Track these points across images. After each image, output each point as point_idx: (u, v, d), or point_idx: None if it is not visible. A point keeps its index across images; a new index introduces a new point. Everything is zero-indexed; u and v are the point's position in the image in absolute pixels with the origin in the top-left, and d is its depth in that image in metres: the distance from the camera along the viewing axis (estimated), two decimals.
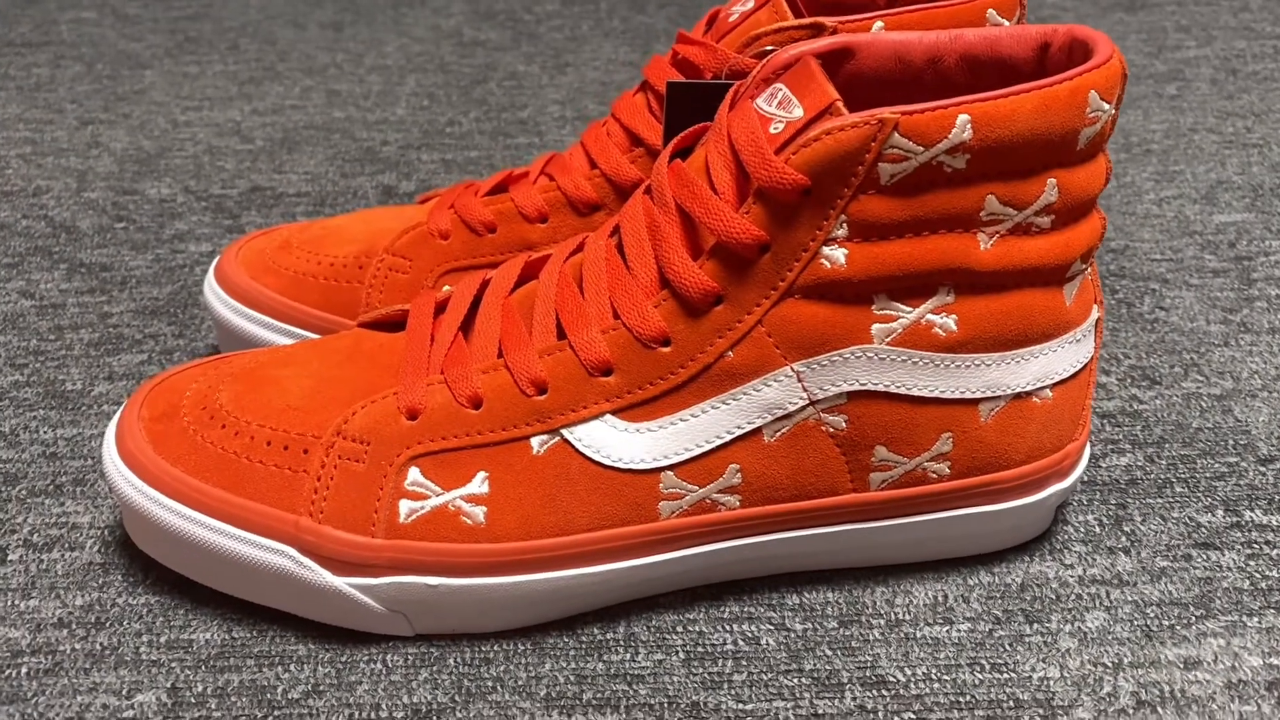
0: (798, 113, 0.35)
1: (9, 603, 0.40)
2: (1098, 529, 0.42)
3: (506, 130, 0.81)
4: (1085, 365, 0.39)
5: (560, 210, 0.46)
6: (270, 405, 0.39)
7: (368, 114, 0.83)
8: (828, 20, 0.41)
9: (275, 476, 0.37)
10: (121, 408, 0.41)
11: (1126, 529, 0.42)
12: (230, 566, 0.37)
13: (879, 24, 0.41)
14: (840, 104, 0.34)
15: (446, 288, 0.47)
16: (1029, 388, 0.37)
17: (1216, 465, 0.45)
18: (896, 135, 0.33)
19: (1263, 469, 0.45)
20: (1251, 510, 0.43)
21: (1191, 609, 0.39)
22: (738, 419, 0.36)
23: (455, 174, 0.74)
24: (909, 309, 0.35)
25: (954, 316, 0.36)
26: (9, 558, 0.42)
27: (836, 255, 0.35)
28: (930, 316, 0.36)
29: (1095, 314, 0.39)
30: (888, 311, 0.35)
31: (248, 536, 0.37)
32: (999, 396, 0.37)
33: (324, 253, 0.49)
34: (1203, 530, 0.42)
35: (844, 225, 0.34)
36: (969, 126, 0.33)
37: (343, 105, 0.85)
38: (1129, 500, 0.44)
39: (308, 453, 0.37)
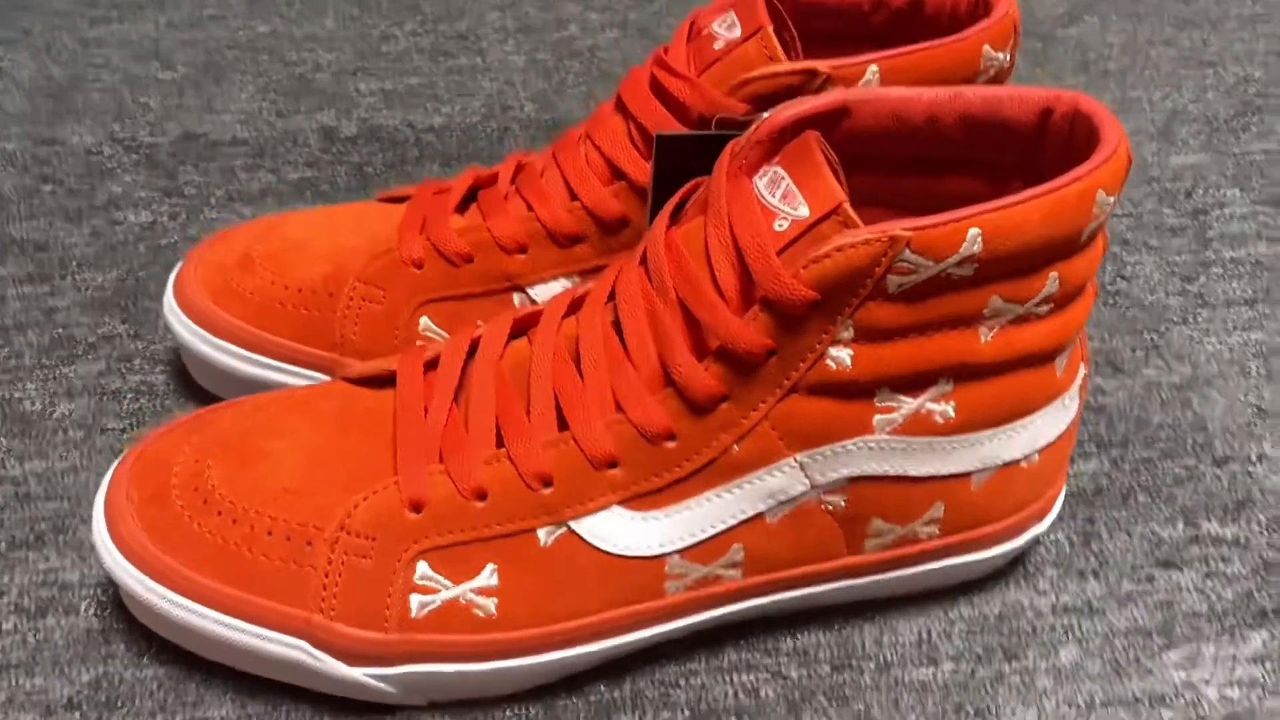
0: (803, 211, 0.34)
1: (14, 682, 0.40)
2: (1068, 548, 0.44)
3: (445, 48, 0.76)
4: (1070, 422, 0.40)
5: (540, 241, 0.44)
6: (265, 487, 0.38)
7: (294, 27, 0.78)
8: (820, 65, 0.39)
9: (281, 571, 0.37)
10: (106, 481, 0.40)
11: (1094, 547, 0.45)
12: (241, 653, 0.38)
13: (873, 67, 0.40)
14: (847, 205, 0.33)
15: (424, 320, 0.46)
16: (1018, 456, 0.38)
17: (1176, 469, 0.48)
18: (907, 251, 0.33)
19: (1218, 472, 0.48)
20: (1209, 520, 0.46)
21: (1155, 638, 0.42)
22: (742, 505, 0.37)
23: (397, 108, 0.70)
24: (910, 399, 0.36)
25: (952, 403, 0.36)
26: (3, 627, 0.41)
27: (842, 356, 0.35)
28: (930, 405, 0.36)
29: (1082, 373, 0.40)
30: (889, 403, 0.36)
31: (259, 631, 0.37)
32: (990, 467, 0.38)
33: (290, 276, 0.47)
34: (1164, 546, 0.45)
35: (850, 329, 0.34)
36: (979, 240, 0.33)
37: (266, 15, 0.79)
38: (1096, 514, 0.46)
39: (311, 545, 0.37)
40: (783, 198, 0.34)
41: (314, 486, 0.38)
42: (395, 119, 0.69)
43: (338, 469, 0.38)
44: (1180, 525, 0.46)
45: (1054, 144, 0.37)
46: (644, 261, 0.38)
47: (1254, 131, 0.68)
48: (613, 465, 0.36)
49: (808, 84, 0.40)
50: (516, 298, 0.45)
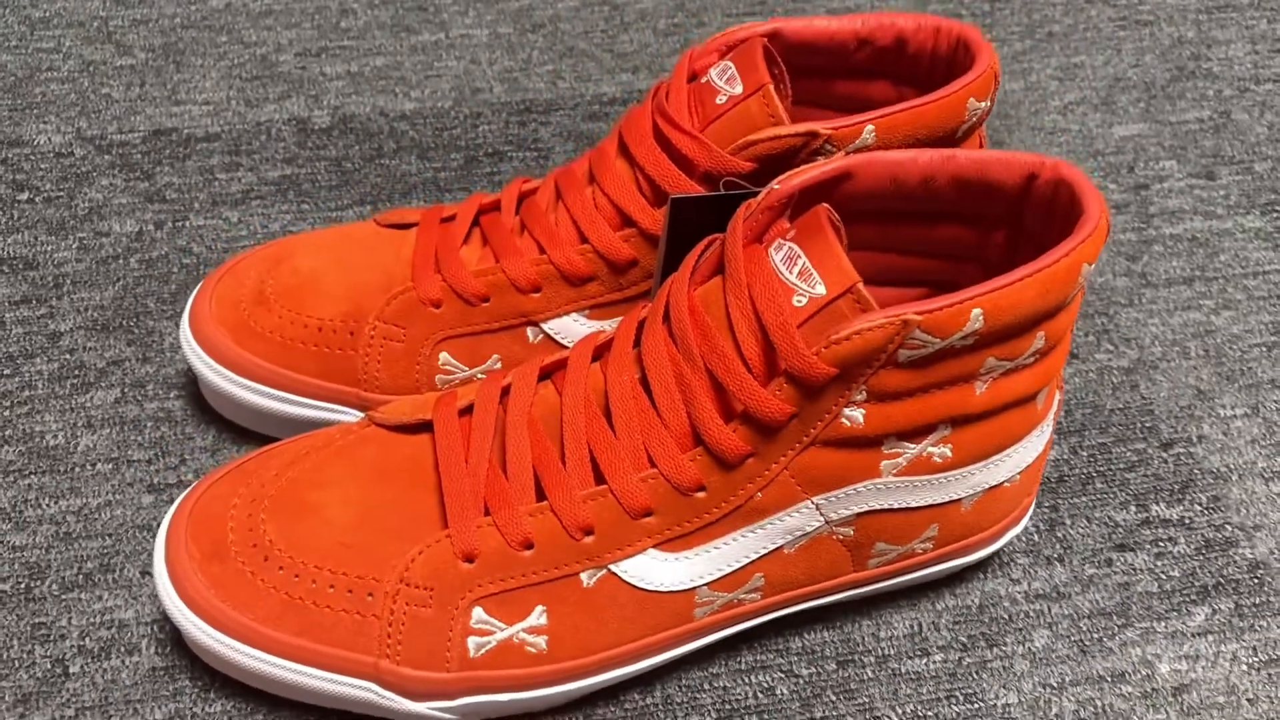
0: (820, 290, 0.37)
1: None
2: (1036, 537, 0.50)
3: (407, 23, 0.76)
4: (1046, 442, 0.44)
5: (553, 281, 0.47)
6: (321, 541, 0.41)
7: (249, 1, 0.77)
8: (820, 128, 0.42)
9: (345, 621, 0.40)
10: (161, 540, 0.42)
11: (1059, 534, 0.50)
12: (311, 694, 0.41)
13: (870, 127, 0.43)
14: (860, 285, 0.37)
15: (444, 355, 0.48)
16: (1003, 479, 0.43)
17: (1128, 454, 0.53)
18: (917, 331, 0.36)
19: (1164, 455, 0.53)
20: (1157, 504, 0.51)
21: (1114, 619, 0.47)
22: (764, 542, 0.41)
23: (366, 92, 0.71)
24: (913, 445, 0.40)
25: (949, 446, 0.41)
26: (71, 670, 0.44)
27: (855, 415, 0.38)
28: (930, 449, 0.40)
29: (1058, 399, 0.44)
30: (895, 450, 0.40)
31: (329, 676, 0.40)
32: (979, 492, 0.43)
33: (308, 313, 0.49)
34: (1119, 530, 0.50)
35: (863, 392, 0.38)
36: (981, 318, 0.37)
37: None
38: (1060, 502, 0.51)
39: (372, 596, 0.40)
40: (800, 275, 0.38)
41: (369, 540, 0.41)
42: (366, 106, 0.70)
43: (389, 520, 0.41)
44: (1133, 509, 0.51)
45: (1036, 203, 0.41)
46: (667, 319, 0.41)
47: (1189, 99, 0.72)
48: (648, 514, 0.40)
49: (808, 144, 0.42)
50: (530, 331, 0.48)
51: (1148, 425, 0.54)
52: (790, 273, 0.38)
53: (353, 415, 0.49)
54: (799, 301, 0.37)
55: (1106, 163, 0.68)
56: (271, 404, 0.49)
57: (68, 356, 0.55)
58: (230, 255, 0.60)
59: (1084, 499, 0.51)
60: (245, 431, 0.52)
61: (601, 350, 0.43)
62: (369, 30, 0.76)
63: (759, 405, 0.38)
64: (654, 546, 0.41)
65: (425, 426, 0.44)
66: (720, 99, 0.44)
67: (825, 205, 0.39)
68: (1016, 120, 0.71)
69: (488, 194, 0.51)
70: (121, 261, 0.60)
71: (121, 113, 0.69)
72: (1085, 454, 0.53)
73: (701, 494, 0.40)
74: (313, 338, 0.48)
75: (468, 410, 0.43)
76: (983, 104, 0.45)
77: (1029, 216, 0.42)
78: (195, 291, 0.51)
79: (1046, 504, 0.51)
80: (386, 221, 0.52)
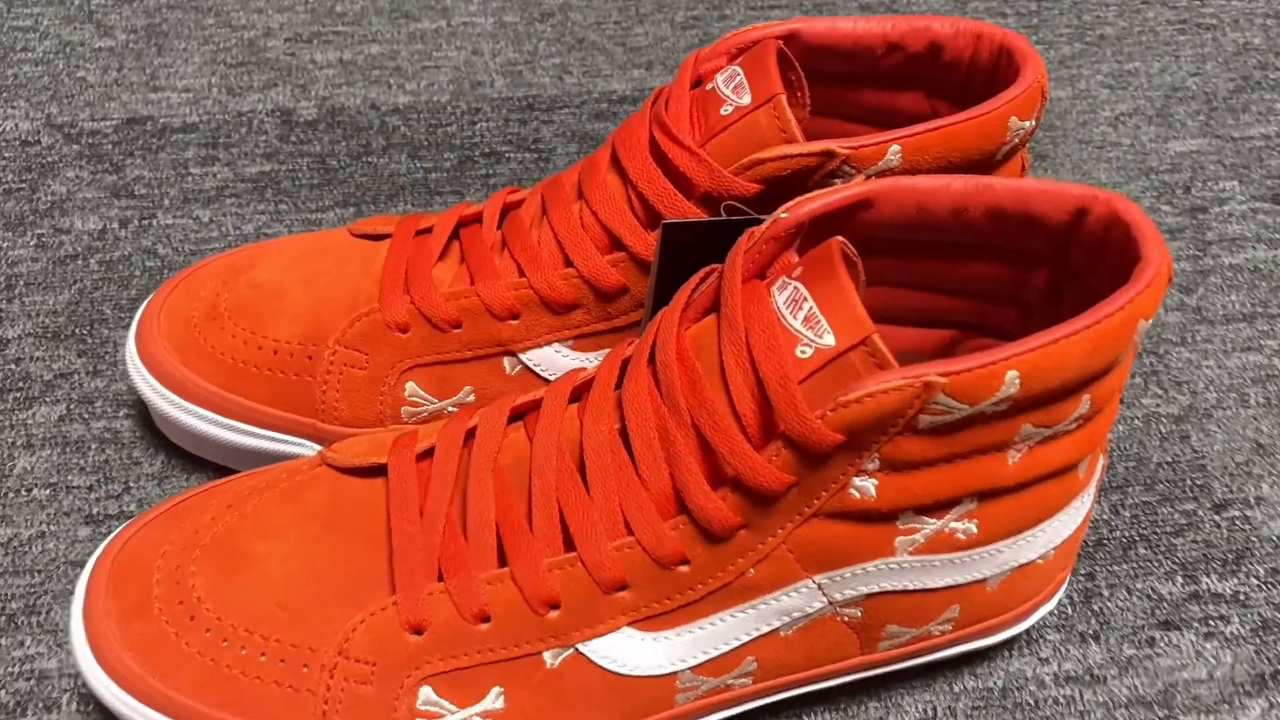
0: (828, 340, 0.32)
1: None
2: (1069, 610, 0.44)
3: (407, 8, 0.71)
4: (1086, 513, 0.39)
5: (533, 308, 0.42)
6: (255, 601, 0.36)
7: None
8: (838, 147, 0.37)
9: (276, 696, 0.35)
10: (82, 585, 0.38)
11: (1096, 607, 0.44)
12: None
13: (895, 147, 0.37)
14: (875, 337, 0.31)
15: (410, 385, 0.43)
16: (1035, 557, 0.38)
17: (1175, 516, 0.47)
18: (941, 395, 0.31)
19: (1217, 518, 0.47)
20: (1208, 575, 0.46)
21: (1156, 709, 0.42)
22: (756, 624, 0.36)
23: (358, 83, 0.66)
24: (933, 521, 0.35)
25: (975, 521, 0.35)
26: None
27: (866, 486, 0.33)
28: (953, 524, 0.35)
29: (1101, 464, 0.39)
30: (912, 525, 0.35)
31: None
32: (1006, 571, 0.37)
33: (263, 332, 0.44)
34: (1164, 605, 0.45)
35: (876, 461, 0.33)
36: (1017, 381, 0.31)
37: None
38: (1097, 569, 0.45)
39: (308, 668, 0.35)
40: (805, 321, 0.32)
41: (308, 602, 0.36)
42: (356, 98, 0.65)
43: (332, 578, 0.37)
44: (1180, 580, 0.45)
45: (1085, 242, 0.35)
46: (652, 361, 0.36)
47: (1253, 112, 0.66)
48: (623, 588, 0.35)
49: (824, 165, 0.37)
50: (507, 361, 0.43)
51: (1199, 483, 0.49)
52: (795, 318, 0.33)
53: (311, 448, 0.44)
54: (803, 353, 0.32)
55: (1160, 181, 0.62)
56: (220, 432, 0.44)
57: (13, 367, 0.51)
58: (198, 258, 0.55)
59: (1124, 567, 0.46)
60: (197, 459, 0.47)
61: (581, 391, 0.38)
62: (365, 15, 0.71)
63: (752, 472, 0.32)
64: (629, 625, 0.35)
65: (382, 470, 0.39)
66: (725, 109, 0.38)
67: (839, 238, 0.34)
68: (1063, 132, 0.64)
69: (472, 203, 0.46)
70: (80, 262, 0.55)
71: (95, 98, 0.64)
72: (1127, 514, 0.47)
73: (684, 568, 0.35)
74: (267, 361, 0.44)
75: (428, 454, 0.39)
76: (1026, 123, 0.39)
77: (1076, 255, 0.36)
78: (146, 303, 0.46)
79: (1082, 571, 0.45)
80: (359, 231, 0.47)
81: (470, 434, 0.38)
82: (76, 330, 0.52)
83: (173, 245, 0.56)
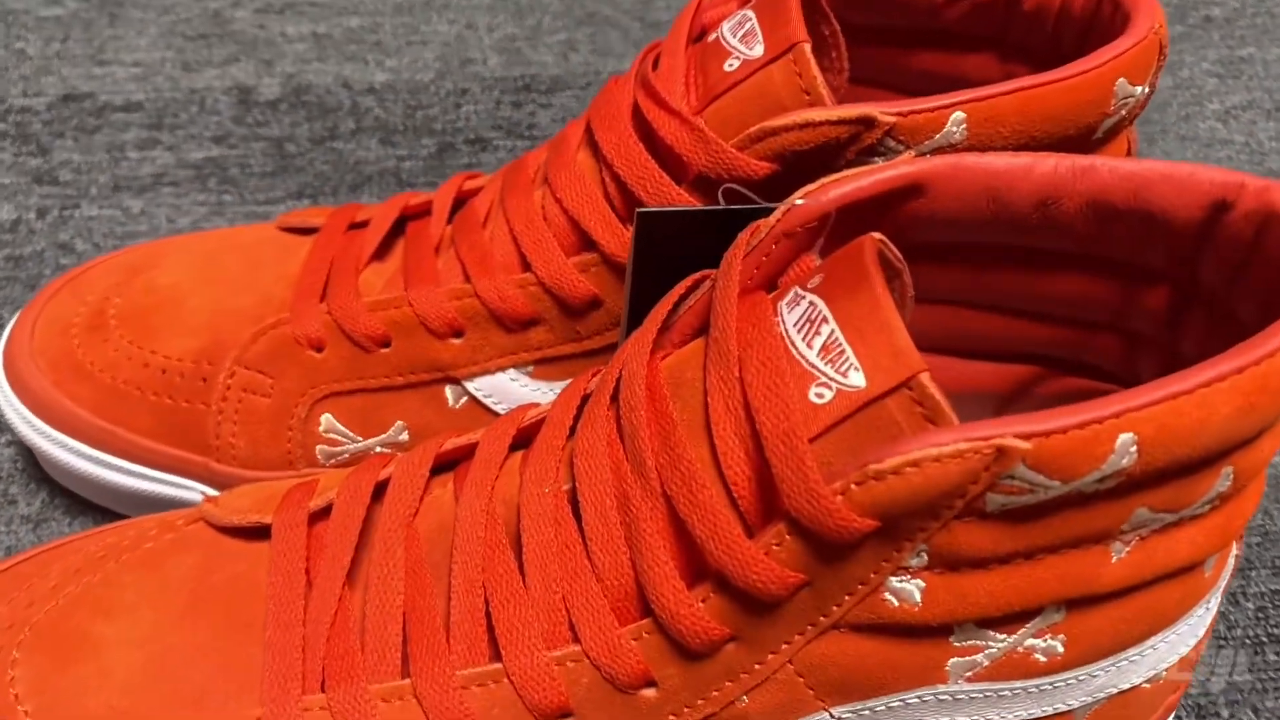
0: (856, 379, 0.22)
1: None
2: None
3: None
4: (1209, 624, 0.29)
5: (480, 323, 0.32)
6: (85, 702, 0.27)
7: None
8: (879, 112, 0.27)
9: None
10: None
11: None
12: None
13: (958, 114, 0.27)
14: (925, 378, 0.22)
15: (326, 418, 0.34)
16: (1140, 681, 0.27)
17: None
18: (1021, 467, 0.21)
19: None
20: None
21: None
22: None
23: (332, 58, 0.57)
24: (1003, 637, 0.25)
25: (1061, 637, 0.25)
26: None
27: (908, 590, 0.23)
28: (1030, 641, 0.25)
29: (1234, 555, 0.28)
30: (973, 642, 0.25)
31: None
32: (1100, 699, 0.27)
33: (151, 347, 0.35)
34: None
35: (922, 555, 0.23)
36: (1133, 448, 0.21)
37: None
38: (1214, 681, 0.35)
39: None
40: (823, 351, 0.23)
41: (149, 710, 0.27)
42: (328, 75, 0.56)
43: (188, 679, 0.27)
44: None
45: (1226, 249, 0.25)
46: (615, 400, 0.26)
47: None
48: (564, 717, 0.25)
49: (859, 137, 0.27)
50: (450, 391, 0.34)
51: None
52: (810, 346, 0.23)
53: (207, 493, 0.35)
54: (819, 396, 0.22)
55: None
56: (96, 470, 0.35)
57: None
58: None
59: (1249, 678, 0.35)
60: (85, 500, 0.38)
61: (529, 434, 0.29)
62: None
63: (742, 568, 0.23)
64: None
65: (266, 531, 0.30)
66: (730, 64, 0.29)
67: (876, 235, 0.24)
68: (1161, 126, 0.54)
69: (419, 193, 0.37)
70: None
71: (31, 72, 0.56)
72: (1251, 607, 0.37)
73: (650, 692, 0.25)
74: (153, 382, 0.35)
75: (325, 513, 0.29)
76: (1138, 89, 0.29)
77: (1210, 269, 0.26)
78: (22, 310, 0.38)
79: (1194, 688, 0.35)
80: (287, 224, 0.38)
81: (381, 488, 0.29)
82: None
83: (93, 240, 0.48)
